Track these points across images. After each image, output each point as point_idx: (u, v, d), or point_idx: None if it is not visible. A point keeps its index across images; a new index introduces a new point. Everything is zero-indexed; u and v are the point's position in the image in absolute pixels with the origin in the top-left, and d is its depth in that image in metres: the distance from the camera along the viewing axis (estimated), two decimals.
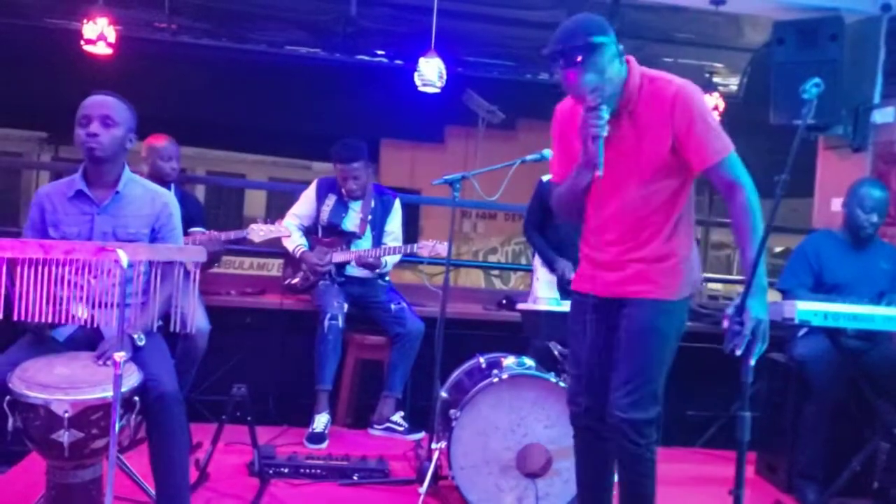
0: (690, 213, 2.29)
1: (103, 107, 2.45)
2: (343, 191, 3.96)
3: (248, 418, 2.93)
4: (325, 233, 4.00)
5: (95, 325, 2.34)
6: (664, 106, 2.16)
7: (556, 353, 3.11)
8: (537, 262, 3.90)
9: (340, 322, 3.70)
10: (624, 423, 2.18)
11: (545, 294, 3.71)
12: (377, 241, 3.99)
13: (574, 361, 2.42)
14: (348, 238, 3.95)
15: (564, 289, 3.71)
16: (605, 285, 2.31)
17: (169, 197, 2.65)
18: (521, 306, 3.47)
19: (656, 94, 2.18)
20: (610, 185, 2.25)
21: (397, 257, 3.94)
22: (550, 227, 3.81)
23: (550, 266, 3.73)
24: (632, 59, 2.22)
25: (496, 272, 10.12)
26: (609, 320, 2.29)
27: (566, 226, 3.71)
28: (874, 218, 3.46)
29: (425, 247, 3.74)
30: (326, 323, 3.68)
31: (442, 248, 3.65)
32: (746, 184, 2.13)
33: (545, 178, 3.81)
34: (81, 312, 2.24)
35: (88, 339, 2.47)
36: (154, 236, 2.56)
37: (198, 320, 3.32)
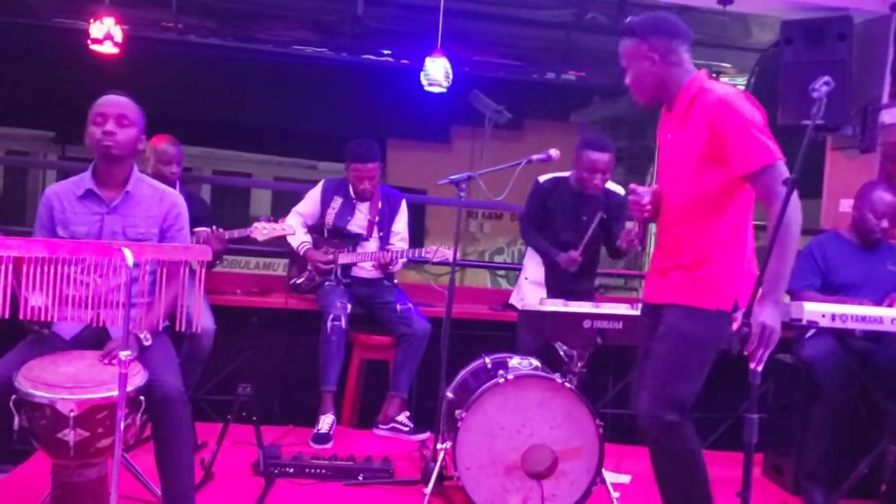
0: (743, 226, 2.29)
1: (119, 106, 2.49)
2: (354, 191, 3.94)
3: (254, 418, 2.94)
4: (331, 235, 3.97)
5: (101, 325, 2.34)
6: (706, 112, 2.21)
7: (561, 353, 3.10)
8: (527, 261, 3.90)
9: (343, 323, 3.69)
10: (644, 421, 2.26)
11: (532, 298, 3.68)
12: (384, 242, 3.97)
13: (640, 362, 2.50)
14: (354, 240, 3.94)
15: (554, 288, 3.70)
16: (651, 292, 2.42)
17: (177, 197, 2.66)
18: (525, 307, 3.46)
19: (701, 102, 2.25)
20: (665, 191, 2.37)
21: (404, 259, 3.93)
22: (546, 228, 3.79)
23: (553, 262, 3.71)
24: (702, 71, 2.36)
25: (502, 272, 10.12)
26: (654, 326, 2.36)
27: (563, 224, 3.70)
28: (885, 223, 3.47)
29: (431, 251, 3.72)
30: (329, 324, 3.67)
31: (448, 253, 3.62)
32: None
33: (542, 178, 3.79)
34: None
35: (95, 339, 2.47)
36: (163, 236, 2.57)
37: (203, 320, 3.32)
